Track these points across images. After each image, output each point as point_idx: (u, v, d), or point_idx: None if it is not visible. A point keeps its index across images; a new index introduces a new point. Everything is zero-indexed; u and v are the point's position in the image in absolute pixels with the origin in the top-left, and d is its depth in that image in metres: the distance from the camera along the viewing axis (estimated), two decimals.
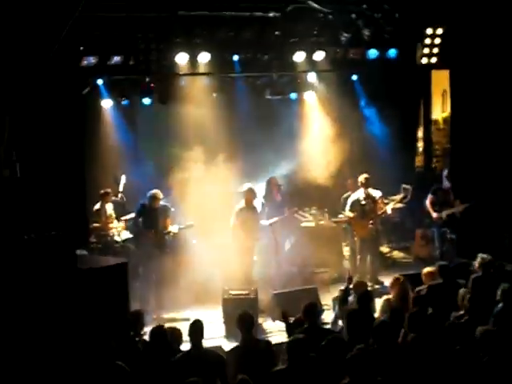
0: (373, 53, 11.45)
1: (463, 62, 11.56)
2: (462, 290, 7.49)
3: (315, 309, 7.06)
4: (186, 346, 6.55)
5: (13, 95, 8.36)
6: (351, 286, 7.93)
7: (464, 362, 5.54)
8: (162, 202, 10.29)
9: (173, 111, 12.09)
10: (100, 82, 11.30)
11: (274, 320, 9.31)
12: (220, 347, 7.58)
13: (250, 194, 10.34)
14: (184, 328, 6.57)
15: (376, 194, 10.67)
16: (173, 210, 10.60)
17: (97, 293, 6.18)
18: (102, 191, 11.06)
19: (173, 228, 10.29)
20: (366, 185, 10.61)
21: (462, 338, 6.07)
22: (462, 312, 7.07)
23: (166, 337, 6.40)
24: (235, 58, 11.08)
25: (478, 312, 6.85)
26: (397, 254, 11.84)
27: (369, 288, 8.64)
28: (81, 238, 9.59)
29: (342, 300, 7.85)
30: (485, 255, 8.09)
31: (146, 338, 6.55)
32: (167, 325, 6.86)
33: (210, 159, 11.20)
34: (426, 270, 8.35)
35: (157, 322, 7.87)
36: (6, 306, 5.47)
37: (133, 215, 10.69)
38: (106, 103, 11.80)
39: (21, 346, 5.49)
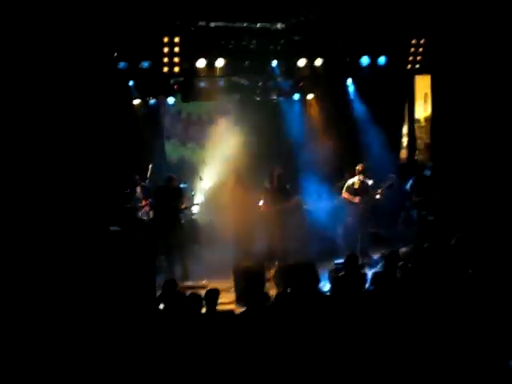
0: (365, 59, 11.68)
1: (443, 68, 11.83)
2: None
3: (316, 278, 6.86)
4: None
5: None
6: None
7: None
8: (181, 185, 10.42)
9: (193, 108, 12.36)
10: (131, 83, 11.35)
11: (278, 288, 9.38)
12: (231, 311, 7.64)
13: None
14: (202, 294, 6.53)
15: (369, 181, 10.72)
16: (185, 186, 10.70)
17: (129, 263, 6.34)
18: (133, 177, 11.20)
19: (187, 205, 10.46)
20: (361, 172, 10.70)
21: None
22: None
23: (186, 302, 6.31)
24: (246, 63, 11.25)
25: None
26: (383, 232, 11.82)
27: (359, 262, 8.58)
28: (115, 217, 9.69)
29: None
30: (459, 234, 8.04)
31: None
32: (189, 292, 6.90)
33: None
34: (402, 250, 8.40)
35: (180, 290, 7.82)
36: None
37: None
38: (136, 102, 11.83)
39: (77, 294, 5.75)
